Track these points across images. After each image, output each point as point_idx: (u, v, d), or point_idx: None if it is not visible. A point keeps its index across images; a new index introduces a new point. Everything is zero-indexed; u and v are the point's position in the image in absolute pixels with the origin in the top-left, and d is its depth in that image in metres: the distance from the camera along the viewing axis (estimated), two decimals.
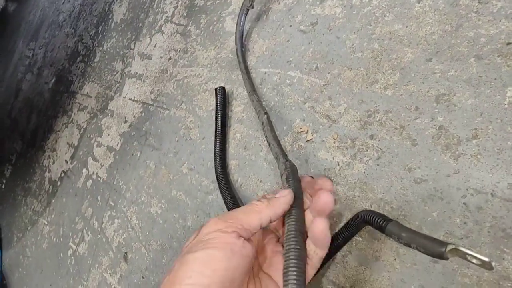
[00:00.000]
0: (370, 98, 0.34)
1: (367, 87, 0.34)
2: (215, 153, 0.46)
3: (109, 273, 0.60)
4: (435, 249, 0.20)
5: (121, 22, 0.87)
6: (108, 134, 0.76)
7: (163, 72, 0.65)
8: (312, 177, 0.32)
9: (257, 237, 0.31)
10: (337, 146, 0.35)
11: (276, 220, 0.27)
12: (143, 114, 0.67)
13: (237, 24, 0.47)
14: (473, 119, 0.27)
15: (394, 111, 0.32)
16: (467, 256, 0.19)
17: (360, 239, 0.31)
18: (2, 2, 2.08)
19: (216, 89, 0.47)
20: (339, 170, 0.34)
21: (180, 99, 0.58)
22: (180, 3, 0.67)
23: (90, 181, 0.76)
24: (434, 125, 0.29)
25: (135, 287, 0.54)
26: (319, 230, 0.25)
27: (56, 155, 0.97)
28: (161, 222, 0.53)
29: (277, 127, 0.40)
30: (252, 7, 0.47)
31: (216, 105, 0.47)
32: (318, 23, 0.41)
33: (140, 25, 0.78)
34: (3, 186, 1.29)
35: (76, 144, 0.88)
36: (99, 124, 0.81)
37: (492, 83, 0.27)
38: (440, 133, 0.28)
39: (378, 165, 0.31)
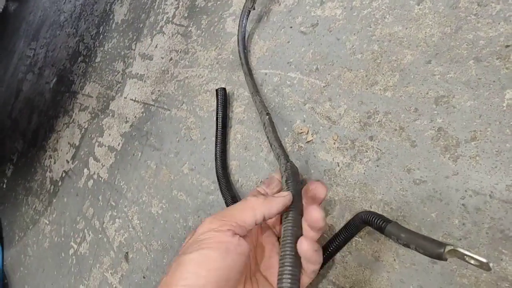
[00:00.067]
0: (370, 99, 0.34)
1: (367, 89, 0.34)
2: (215, 154, 0.46)
3: (110, 273, 0.60)
4: (434, 250, 0.21)
5: (122, 22, 0.87)
6: (109, 134, 0.76)
7: (164, 72, 0.65)
8: (305, 180, 0.32)
9: (255, 232, 0.31)
10: (337, 147, 0.35)
11: (271, 218, 0.27)
12: (144, 114, 0.67)
13: (239, 26, 0.48)
14: (472, 121, 0.27)
15: (394, 113, 0.32)
16: (465, 257, 0.19)
17: (360, 239, 0.31)
18: (3, 2, 2.08)
19: (217, 90, 0.47)
20: (339, 171, 0.34)
21: (181, 99, 0.58)
22: (181, 4, 0.67)
23: (91, 181, 0.76)
24: (433, 127, 0.29)
25: (136, 287, 0.54)
26: (305, 249, 0.24)
27: (57, 155, 0.97)
28: (162, 222, 0.53)
29: (278, 128, 0.40)
30: (254, 9, 0.47)
31: (217, 106, 0.47)
32: (319, 25, 0.41)
33: (141, 26, 0.78)
34: (4, 186, 1.30)
35: (77, 144, 0.89)
36: (100, 124, 0.81)
37: (491, 85, 0.27)
38: (439, 135, 0.29)
39: (377, 166, 0.32)
